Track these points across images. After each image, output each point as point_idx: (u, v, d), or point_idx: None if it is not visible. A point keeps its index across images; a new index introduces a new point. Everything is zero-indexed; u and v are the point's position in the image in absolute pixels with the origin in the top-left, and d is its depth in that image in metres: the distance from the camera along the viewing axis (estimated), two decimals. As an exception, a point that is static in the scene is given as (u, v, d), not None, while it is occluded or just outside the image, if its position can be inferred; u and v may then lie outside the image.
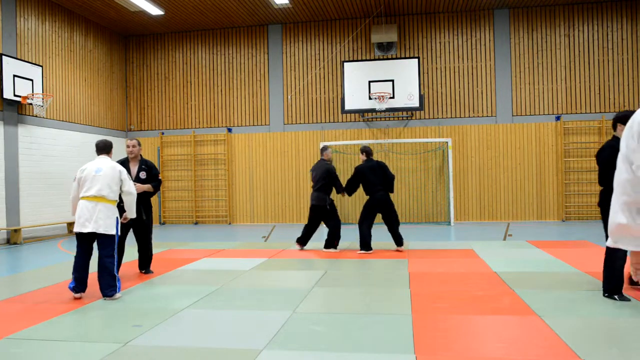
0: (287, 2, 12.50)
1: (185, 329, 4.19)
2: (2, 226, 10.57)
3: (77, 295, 5.32)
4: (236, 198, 14.64)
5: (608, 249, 4.73)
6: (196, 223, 14.79)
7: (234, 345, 3.74)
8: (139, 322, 4.39)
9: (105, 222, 5.27)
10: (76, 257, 5.35)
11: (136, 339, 3.93)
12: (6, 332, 4.16)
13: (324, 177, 8.30)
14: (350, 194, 8.52)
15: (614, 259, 4.69)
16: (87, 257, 5.38)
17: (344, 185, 8.48)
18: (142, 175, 6.47)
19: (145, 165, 6.55)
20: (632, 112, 4.89)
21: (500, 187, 13.53)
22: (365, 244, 8.13)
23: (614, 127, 4.96)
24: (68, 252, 9.30)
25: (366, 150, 8.42)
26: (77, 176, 5.44)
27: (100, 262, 5.29)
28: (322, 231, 10.45)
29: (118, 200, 5.54)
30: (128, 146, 6.49)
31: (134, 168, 6.48)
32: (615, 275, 4.72)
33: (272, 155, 14.46)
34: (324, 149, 8.64)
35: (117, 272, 5.47)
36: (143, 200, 6.40)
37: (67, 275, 6.55)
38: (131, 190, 5.56)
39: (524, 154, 13.44)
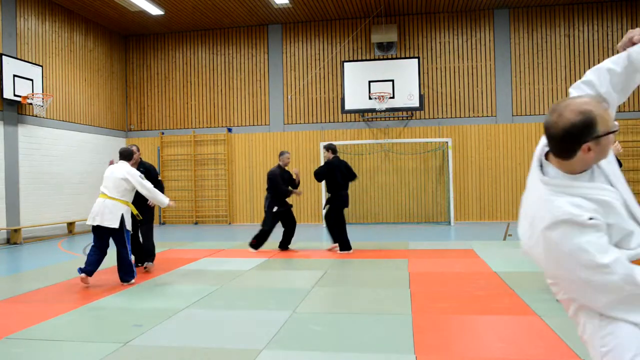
0: (287, 2, 12.50)
1: (185, 329, 4.19)
2: (2, 226, 10.57)
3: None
4: (236, 198, 14.64)
5: None
6: (196, 223, 14.78)
7: (234, 345, 3.75)
8: (139, 322, 4.39)
9: None
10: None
11: (136, 339, 3.93)
12: (6, 332, 4.16)
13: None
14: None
15: None
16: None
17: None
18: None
19: (142, 167, 6.69)
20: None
21: (500, 187, 13.52)
22: (348, 244, 8.18)
23: None
24: (68, 252, 9.30)
25: (332, 148, 8.31)
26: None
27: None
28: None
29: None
30: None
31: None
32: None
33: (272, 155, 14.45)
34: (281, 153, 8.53)
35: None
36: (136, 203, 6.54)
37: (68, 275, 6.56)
38: None
39: (524, 154, 13.43)
